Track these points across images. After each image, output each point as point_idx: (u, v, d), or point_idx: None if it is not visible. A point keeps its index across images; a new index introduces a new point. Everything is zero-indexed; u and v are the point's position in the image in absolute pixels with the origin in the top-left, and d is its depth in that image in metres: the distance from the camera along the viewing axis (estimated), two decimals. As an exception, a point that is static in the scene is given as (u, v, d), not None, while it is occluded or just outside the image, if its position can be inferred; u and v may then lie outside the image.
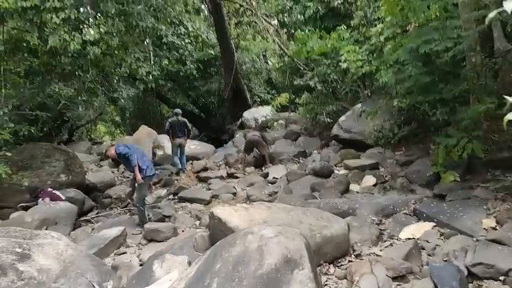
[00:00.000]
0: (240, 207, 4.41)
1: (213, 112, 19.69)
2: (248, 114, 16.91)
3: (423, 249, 4.54)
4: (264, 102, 19.75)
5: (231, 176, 10.76)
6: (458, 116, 7.27)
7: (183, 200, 8.39)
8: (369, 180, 7.64)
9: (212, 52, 17.35)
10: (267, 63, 22.78)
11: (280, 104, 18.16)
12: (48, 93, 9.99)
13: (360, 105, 11.46)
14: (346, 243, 4.43)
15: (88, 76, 10.90)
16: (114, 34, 7.97)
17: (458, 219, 4.95)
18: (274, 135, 14.49)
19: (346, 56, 9.62)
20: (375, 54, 9.39)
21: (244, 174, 10.93)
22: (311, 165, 8.74)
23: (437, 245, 4.60)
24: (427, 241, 4.68)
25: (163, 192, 9.35)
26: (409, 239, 4.81)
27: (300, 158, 11.43)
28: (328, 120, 12.00)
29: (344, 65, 9.78)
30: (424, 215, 5.19)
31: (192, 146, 12.91)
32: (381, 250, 4.54)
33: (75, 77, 9.49)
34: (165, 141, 12.55)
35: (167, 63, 9.19)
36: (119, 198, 9.61)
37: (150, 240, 6.02)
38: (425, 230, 4.90)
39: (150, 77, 10.61)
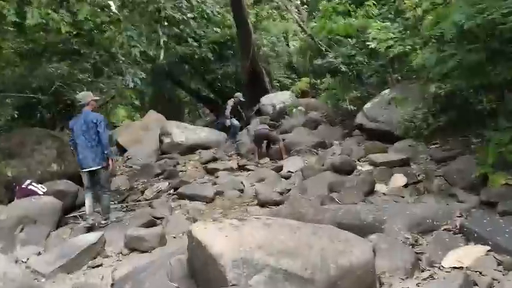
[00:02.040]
0: (229, 224, 3.28)
1: (230, 97, 18.52)
2: (266, 100, 15.67)
3: (476, 285, 3.33)
4: (283, 87, 18.53)
5: (242, 168, 9.64)
6: (509, 104, 5.99)
7: (182, 196, 7.29)
8: (399, 179, 6.38)
9: (229, 32, 16.15)
10: (288, 45, 21.41)
11: (300, 89, 16.87)
12: (44, 74, 9.02)
13: (387, 91, 10.11)
14: (371, 275, 3.25)
15: (92, 55, 9.93)
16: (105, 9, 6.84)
17: (521, 242, 3.70)
18: (292, 122, 13.27)
19: (375, 34, 8.26)
20: (408, 32, 8.02)
21: (257, 166, 9.80)
22: (330, 159, 7.53)
23: (494, 279, 3.37)
24: (481, 273, 3.45)
25: (164, 185, 8.31)
26: (455, 268, 3.60)
27: (319, 149, 10.20)
28: (352, 107, 10.71)
29: (372, 44, 8.43)
30: (475, 235, 3.93)
31: (202, 134, 11.83)
32: (418, 285, 3.34)
33: (70, 56, 8.48)
34: (174, 128, 11.50)
35: (166, 40, 8.07)
36: (117, 191, 8.64)
37: (133, 250, 4.97)
38: (477, 256, 3.66)
39: (161, 57, 9.61)
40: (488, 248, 3.74)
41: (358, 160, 7.79)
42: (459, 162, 6.18)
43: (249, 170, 9.40)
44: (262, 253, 2.93)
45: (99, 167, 5.80)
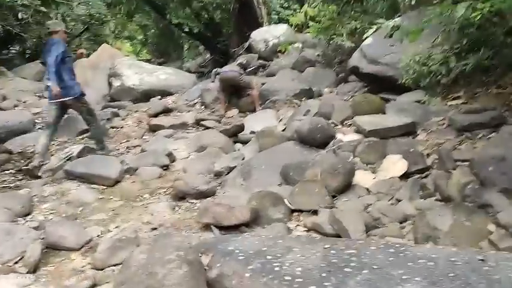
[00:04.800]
0: None
1: (220, 30, 15.42)
2: (257, 35, 12.57)
3: None
4: (283, 21, 15.31)
5: (199, 123, 7.01)
6: None
7: (73, 176, 4.74)
8: (395, 164, 3.70)
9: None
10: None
11: (300, 22, 13.60)
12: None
13: (398, 19, 7.02)
14: None
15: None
16: None
17: None
18: (282, 63, 10.38)
19: None
20: None
21: (219, 121, 7.17)
22: (297, 123, 4.79)
23: None
24: None
25: (78, 148, 5.78)
26: None
27: (303, 99, 7.46)
28: (350, 44, 7.70)
29: None
30: None
31: (163, 76, 9.06)
32: None
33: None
34: (125, 68, 8.77)
35: None
36: (23, 154, 6.20)
37: None
38: None
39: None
40: None
41: (342, 123, 5.03)
42: (497, 140, 3.43)
43: (207, 127, 6.79)
44: None
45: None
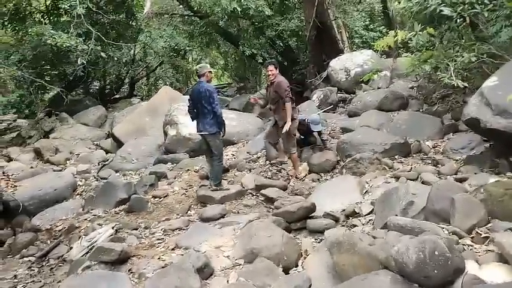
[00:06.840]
0: None
1: (296, 59, 13.81)
2: (337, 63, 10.78)
3: None
4: (367, 44, 13.36)
5: (259, 190, 5.36)
6: None
7: None
8: None
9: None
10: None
11: (388, 45, 11.47)
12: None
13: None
14: None
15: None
16: None
17: None
18: (367, 99, 8.45)
19: None
20: None
21: (285, 188, 5.46)
22: (395, 241, 2.88)
23: None
24: None
25: (105, 234, 4.48)
26: None
27: (397, 157, 5.53)
28: (460, 82, 5.56)
29: None
30: None
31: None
32: None
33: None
34: (182, 114, 7.49)
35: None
36: (51, 232, 5.09)
37: None
38: None
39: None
40: None
41: (470, 233, 3.02)
42: None
43: (269, 198, 5.12)
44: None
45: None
